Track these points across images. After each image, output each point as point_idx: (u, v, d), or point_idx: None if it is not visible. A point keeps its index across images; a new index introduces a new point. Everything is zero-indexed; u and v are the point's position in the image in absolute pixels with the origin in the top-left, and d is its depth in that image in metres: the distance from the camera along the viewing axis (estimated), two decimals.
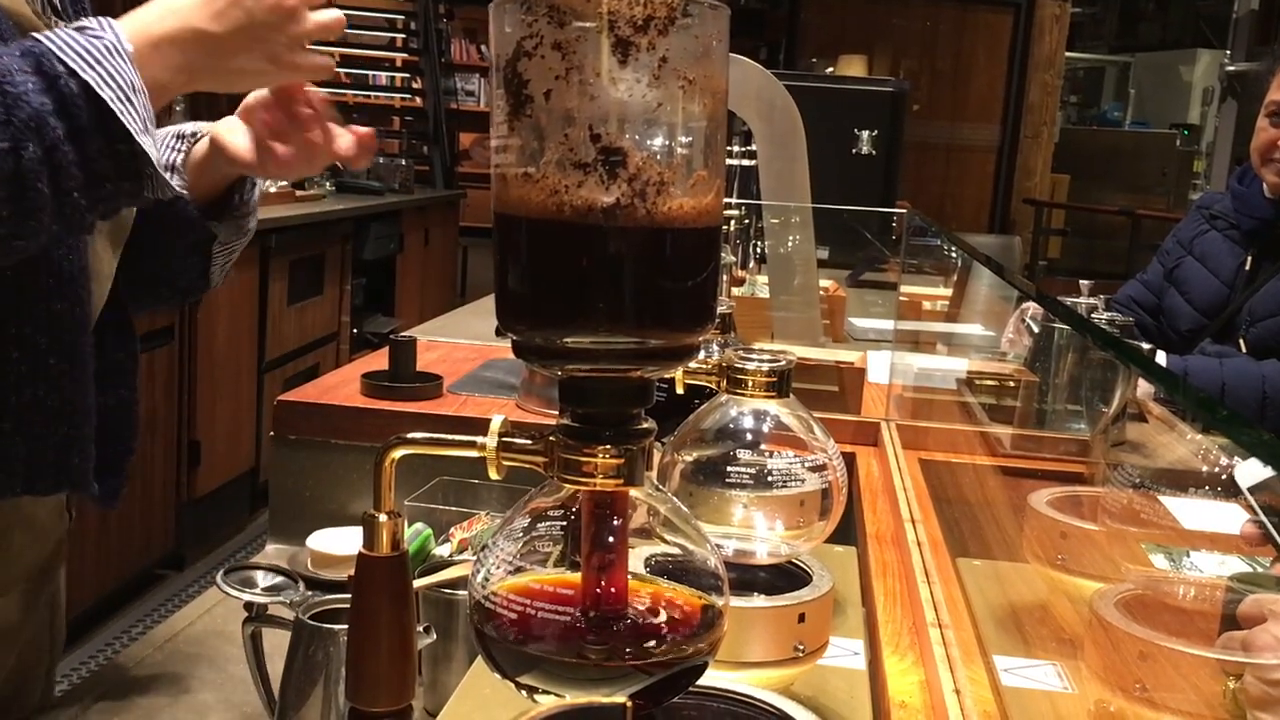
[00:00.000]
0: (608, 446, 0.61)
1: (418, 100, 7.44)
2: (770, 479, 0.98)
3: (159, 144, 1.11)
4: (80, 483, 1.07)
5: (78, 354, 1.04)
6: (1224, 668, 0.84)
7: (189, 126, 1.18)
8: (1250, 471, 0.85)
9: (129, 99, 0.88)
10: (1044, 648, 1.04)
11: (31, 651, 1.17)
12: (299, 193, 4.86)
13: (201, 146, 1.15)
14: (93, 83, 0.86)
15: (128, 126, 0.87)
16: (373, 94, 8.29)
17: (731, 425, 0.99)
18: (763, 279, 2.72)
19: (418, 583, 1.08)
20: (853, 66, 7.39)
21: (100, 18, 0.93)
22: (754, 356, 0.96)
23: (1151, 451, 1.29)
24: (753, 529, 1.00)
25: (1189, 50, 10.83)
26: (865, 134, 4.18)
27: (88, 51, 0.87)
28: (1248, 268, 2.39)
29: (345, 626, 0.94)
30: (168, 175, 1.06)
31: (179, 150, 1.15)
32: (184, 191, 1.13)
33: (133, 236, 1.14)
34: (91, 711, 1.15)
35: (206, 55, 0.95)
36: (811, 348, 2.28)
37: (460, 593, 1.12)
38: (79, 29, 0.90)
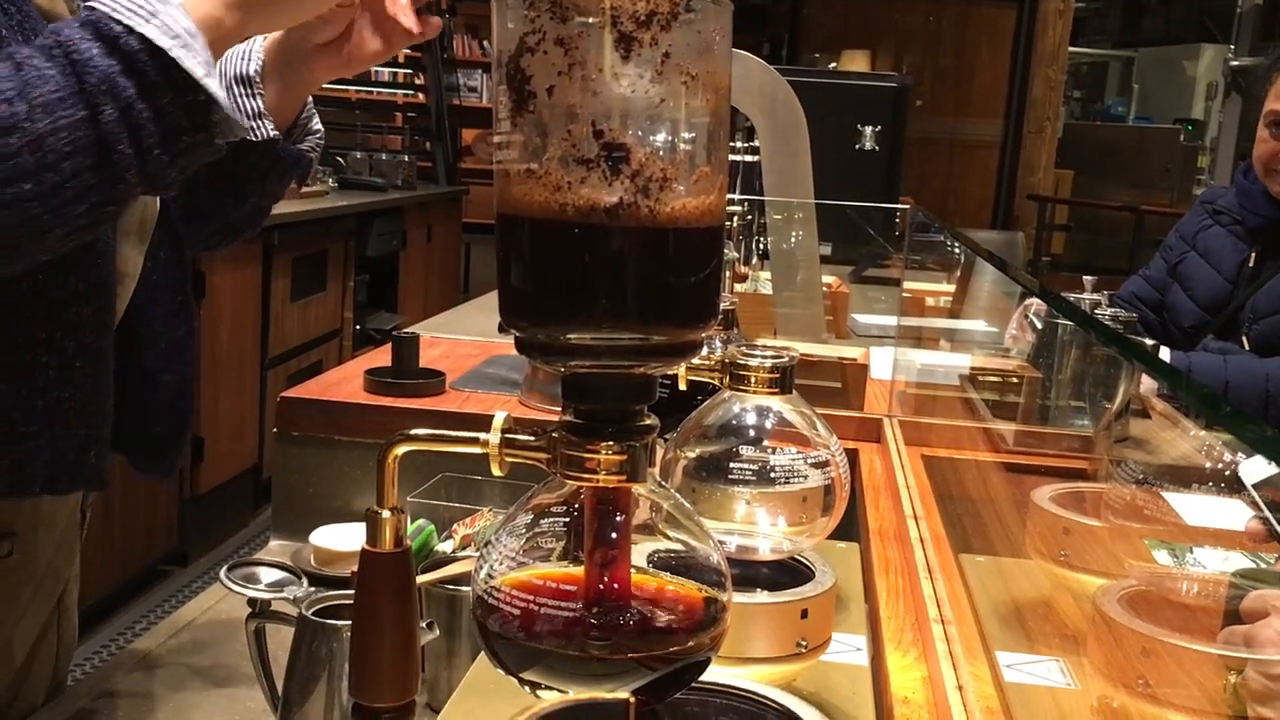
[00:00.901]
0: (610, 443, 0.61)
1: (420, 96, 7.45)
2: (773, 475, 0.98)
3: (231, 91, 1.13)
4: (97, 482, 1.08)
5: (101, 356, 1.05)
6: (1225, 663, 0.84)
7: (251, 65, 1.17)
8: (1254, 468, 0.85)
9: (188, 45, 0.88)
10: (1047, 643, 1.04)
11: (45, 650, 1.18)
12: (302, 189, 4.86)
13: (271, 45, 1.16)
14: (152, 35, 0.86)
15: (191, 72, 0.87)
16: (375, 90, 8.29)
17: (734, 421, 0.99)
18: (765, 275, 2.72)
19: (421, 579, 1.08)
20: (855, 62, 7.39)
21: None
22: (757, 353, 0.96)
23: (1154, 447, 1.29)
24: (755, 525, 1.00)
25: (1193, 45, 10.82)
26: (868, 129, 4.18)
27: (139, 8, 0.87)
28: (1251, 264, 2.39)
29: (348, 622, 0.94)
30: (259, 121, 1.06)
31: (256, 96, 1.15)
32: (272, 130, 1.14)
33: (241, 180, 1.16)
34: (95, 707, 1.16)
35: (261, 9, 0.94)
36: (814, 344, 2.27)
37: (463, 589, 1.12)
38: None
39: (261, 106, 1.14)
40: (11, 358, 0.99)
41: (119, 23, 0.86)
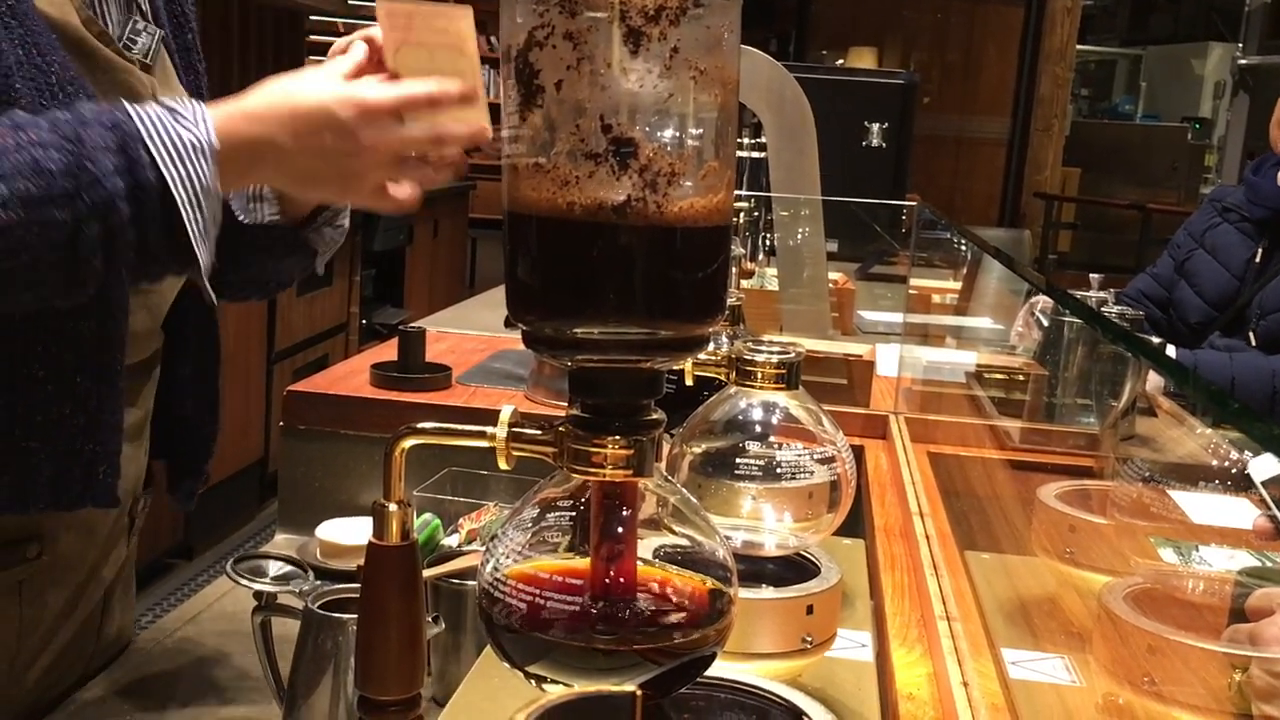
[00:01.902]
0: (617, 437, 0.61)
1: None
2: (779, 471, 0.98)
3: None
4: (105, 499, 1.06)
5: (107, 372, 1.03)
6: (1230, 661, 0.84)
7: None
8: (1263, 465, 0.85)
9: (200, 203, 0.88)
10: (1052, 641, 1.04)
11: (74, 650, 1.17)
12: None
13: None
14: (170, 180, 0.86)
15: (189, 231, 0.88)
16: None
17: (740, 417, 0.99)
18: (772, 271, 2.72)
19: (427, 572, 1.09)
20: (863, 59, 7.37)
21: (196, 105, 0.91)
22: (763, 348, 0.96)
23: (1161, 445, 1.29)
24: (761, 521, 1.00)
25: (1201, 43, 10.78)
26: (875, 126, 4.17)
27: (175, 145, 0.87)
28: (1258, 260, 2.39)
29: (354, 616, 0.94)
30: (258, 204, 1.05)
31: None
32: (270, 215, 1.11)
33: (236, 250, 1.12)
34: (100, 700, 1.16)
35: (277, 168, 0.95)
36: (820, 340, 2.27)
37: (469, 583, 1.12)
38: (173, 113, 0.89)
39: (264, 190, 1.13)
40: (7, 372, 0.97)
41: (148, 151, 0.86)
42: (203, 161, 0.88)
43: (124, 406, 1.07)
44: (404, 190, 1.00)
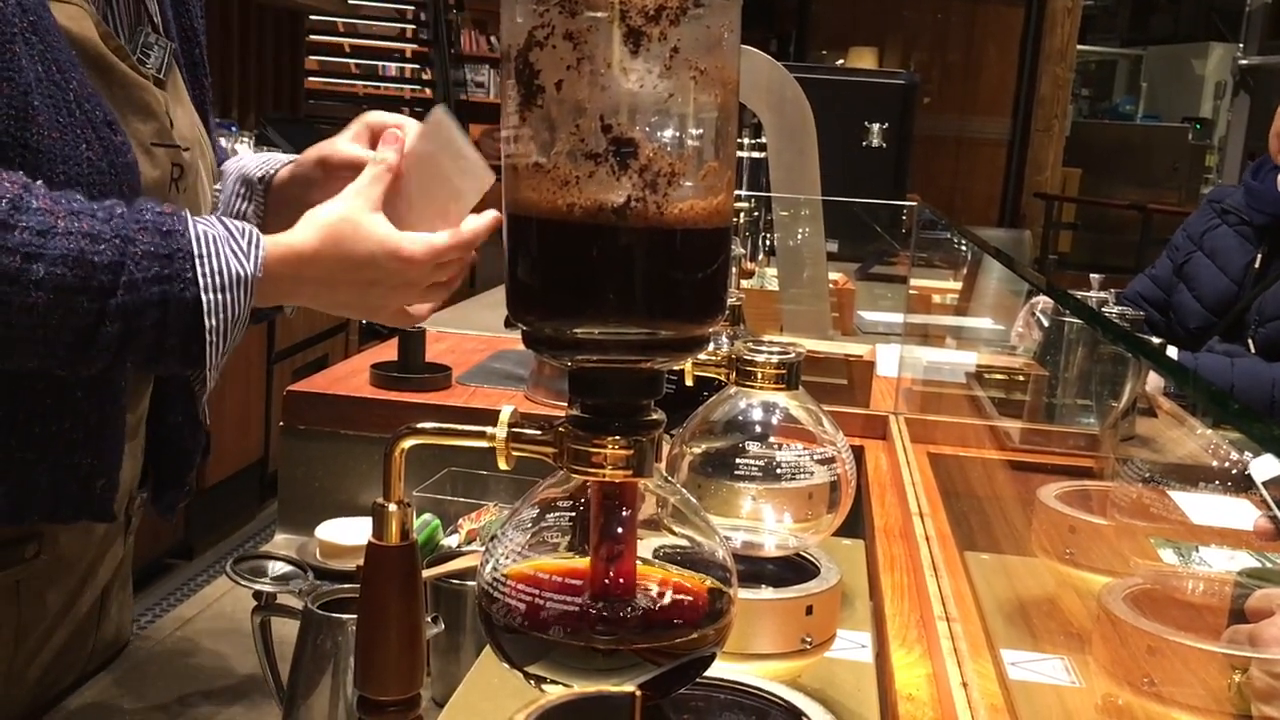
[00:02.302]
0: (617, 437, 0.61)
1: (427, 91, 7.45)
2: (779, 471, 0.98)
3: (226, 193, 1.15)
4: (102, 513, 1.06)
5: (107, 386, 1.02)
6: (1230, 662, 0.84)
7: (254, 167, 1.17)
8: (1265, 466, 0.85)
9: (227, 332, 0.90)
10: (1052, 642, 1.04)
11: (72, 650, 1.17)
12: None
13: (285, 174, 1.16)
14: (206, 306, 0.88)
15: (207, 355, 0.90)
16: (382, 85, 8.29)
17: (740, 417, 0.99)
18: (772, 271, 2.72)
19: (426, 573, 1.09)
20: (863, 59, 7.37)
21: (252, 233, 0.92)
22: (763, 349, 0.96)
23: (1161, 446, 1.29)
24: (761, 521, 1.00)
25: (1201, 44, 10.78)
26: (875, 127, 4.17)
27: (221, 272, 0.89)
28: (1258, 265, 2.38)
29: (354, 616, 0.94)
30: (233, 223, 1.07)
31: (245, 198, 1.16)
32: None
33: None
34: (101, 699, 1.16)
35: (314, 300, 0.99)
36: (820, 341, 2.27)
37: (469, 583, 1.12)
38: (230, 237, 0.91)
39: (247, 210, 1.14)
40: (7, 384, 0.97)
41: (190, 269, 0.87)
42: (242, 294, 0.90)
43: (126, 423, 1.07)
44: (422, 309, 1.05)
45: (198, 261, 0.88)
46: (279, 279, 0.94)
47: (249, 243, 0.91)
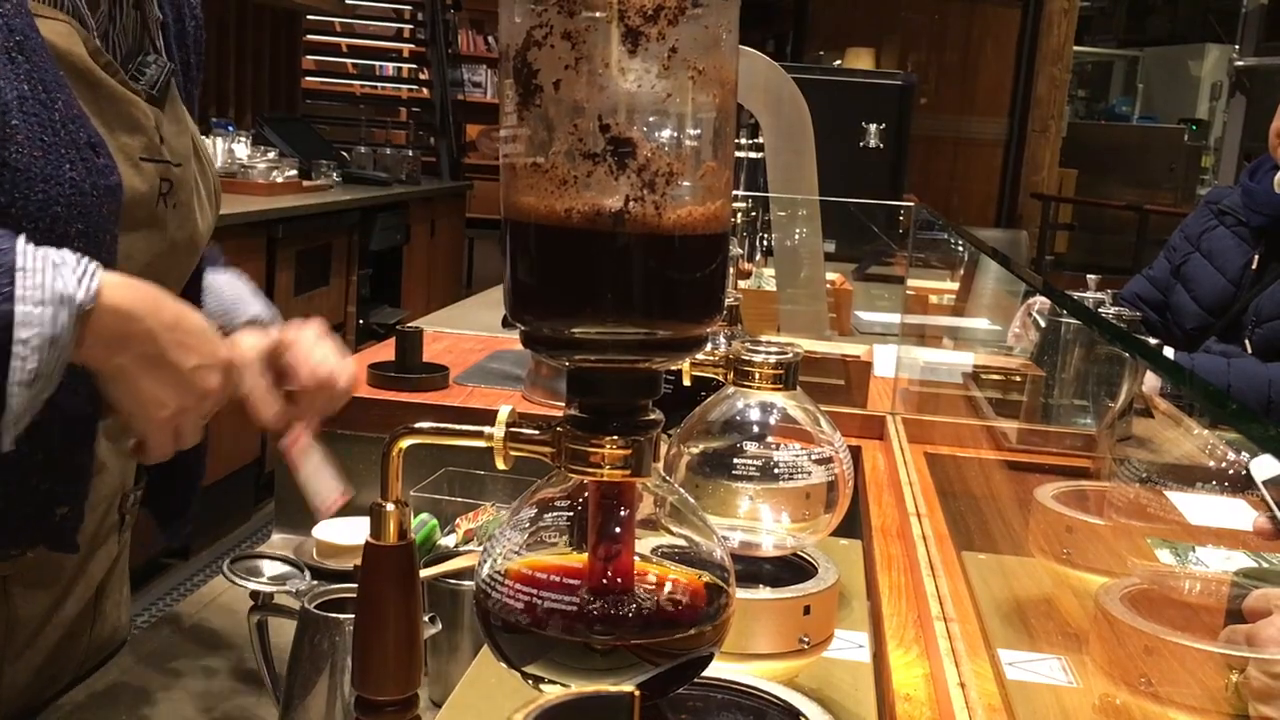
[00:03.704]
0: (615, 437, 0.61)
1: (424, 91, 7.44)
2: (776, 471, 0.98)
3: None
4: (61, 542, 1.03)
5: (73, 412, 1.00)
6: (1227, 661, 0.84)
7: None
8: (1265, 465, 0.85)
9: (39, 349, 0.83)
10: (1049, 642, 1.04)
11: (66, 650, 1.17)
12: (306, 183, 4.87)
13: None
14: (18, 319, 0.82)
15: (10, 369, 0.82)
16: (379, 85, 8.29)
17: (738, 417, 0.99)
18: (769, 272, 2.72)
19: (424, 572, 1.09)
20: (860, 59, 7.38)
21: (89, 264, 0.86)
22: (761, 349, 0.96)
23: (1157, 446, 1.29)
24: (759, 521, 1.00)
25: (1198, 45, 10.79)
26: (873, 127, 4.17)
27: (41, 288, 0.83)
28: (1254, 266, 2.39)
29: (351, 616, 0.94)
30: None
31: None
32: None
33: None
34: (97, 699, 1.16)
35: (137, 361, 0.89)
36: (818, 341, 2.27)
37: (466, 583, 1.12)
38: (62, 263, 0.85)
39: None
40: None
41: (12, 284, 0.82)
42: (62, 313, 0.84)
43: (94, 450, 1.04)
44: (165, 448, 0.96)
45: (17, 276, 0.83)
46: (111, 311, 0.87)
47: (81, 270, 0.86)
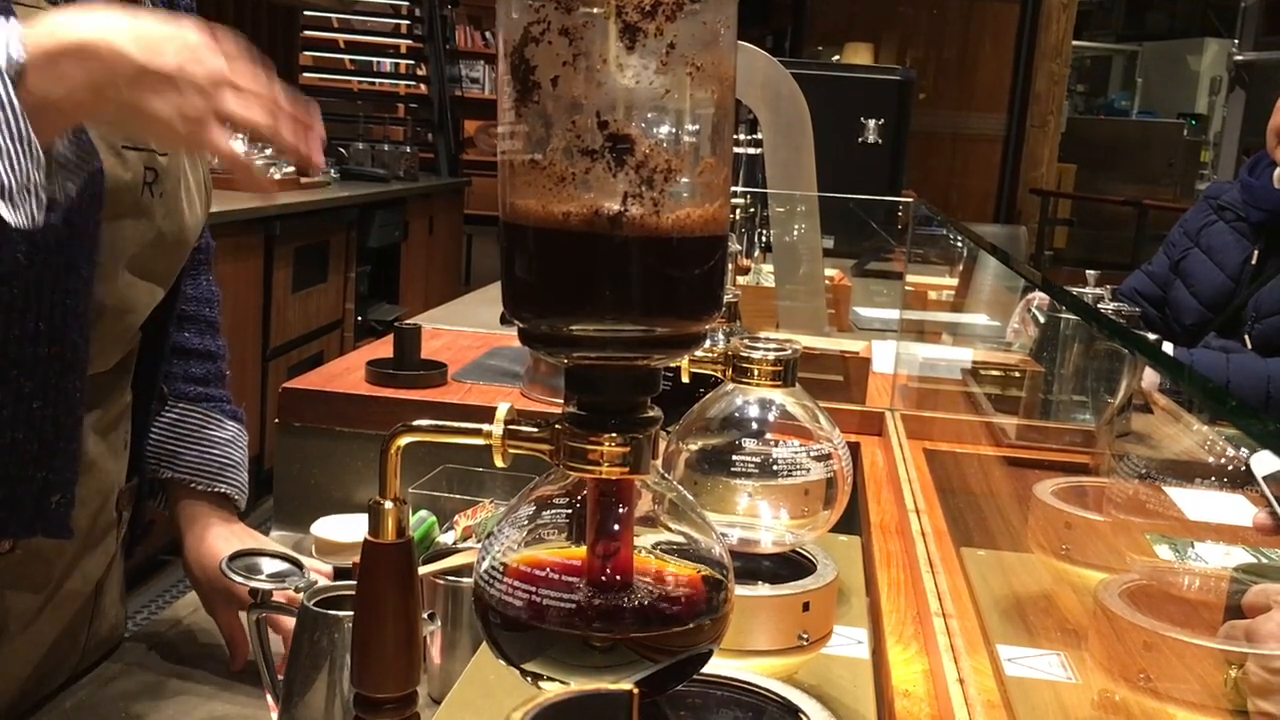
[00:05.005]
0: (614, 434, 0.61)
1: (422, 87, 7.43)
2: (775, 468, 0.98)
3: None
4: (57, 530, 1.04)
5: (65, 398, 1.00)
6: (1226, 657, 0.84)
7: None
8: (1265, 461, 0.85)
9: None
10: (1048, 638, 1.04)
11: (63, 647, 1.17)
12: (303, 180, 4.86)
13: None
14: None
15: None
16: (377, 81, 8.28)
17: (737, 414, 0.99)
18: (768, 268, 2.72)
19: (423, 569, 1.08)
20: (859, 55, 7.37)
21: (7, 20, 0.81)
22: (759, 345, 0.96)
23: (1157, 442, 1.29)
24: (757, 518, 1.00)
25: (1197, 39, 10.80)
26: (871, 123, 4.17)
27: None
28: (1254, 262, 2.39)
29: (349, 613, 0.94)
30: None
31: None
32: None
33: None
34: (96, 697, 1.16)
35: (114, 81, 0.83)
36: (816, 337, 2.27)
37: (465, 580, 1.12)
38: None
39: None
40: None
41: None
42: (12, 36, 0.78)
43: (81, 435, 1.05)
44: (224, 145, 0.91)
45: None
46: (54, 49, 0.80)
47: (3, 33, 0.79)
